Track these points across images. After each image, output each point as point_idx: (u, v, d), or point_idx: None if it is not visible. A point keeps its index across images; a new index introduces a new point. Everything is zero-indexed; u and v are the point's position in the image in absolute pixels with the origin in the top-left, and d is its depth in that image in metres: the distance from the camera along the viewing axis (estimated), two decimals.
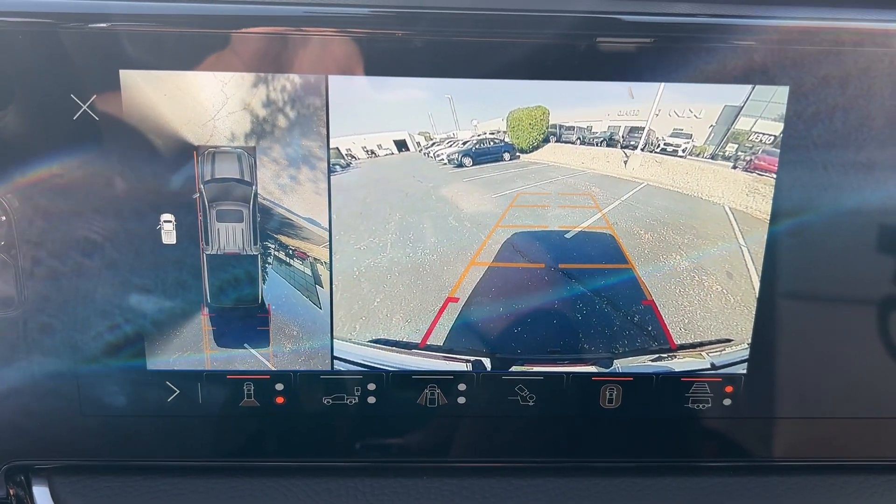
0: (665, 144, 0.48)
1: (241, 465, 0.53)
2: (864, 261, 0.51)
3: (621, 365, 0.52)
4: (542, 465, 0.55)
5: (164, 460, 0.53)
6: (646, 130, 0.48)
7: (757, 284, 0.51)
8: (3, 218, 0.47)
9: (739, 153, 0.49)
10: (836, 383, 0.53)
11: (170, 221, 0.48)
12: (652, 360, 0.53)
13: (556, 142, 0.48)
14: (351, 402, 0.52)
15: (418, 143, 0.48)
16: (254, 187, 0.48)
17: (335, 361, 0.52)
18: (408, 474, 0.54)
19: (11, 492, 0.53)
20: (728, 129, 0.48)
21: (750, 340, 0.52)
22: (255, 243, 0.49)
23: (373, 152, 0.48)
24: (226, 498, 0.53)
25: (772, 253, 0.50)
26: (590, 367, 0.52)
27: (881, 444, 0.55)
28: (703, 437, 0.54)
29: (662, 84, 0.46)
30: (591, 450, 0.54)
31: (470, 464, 0.54)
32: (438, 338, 0.52)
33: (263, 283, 0.50)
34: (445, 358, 0.52)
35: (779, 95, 0.47)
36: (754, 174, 0.49)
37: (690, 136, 0.48)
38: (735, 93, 0.47)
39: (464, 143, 0.48)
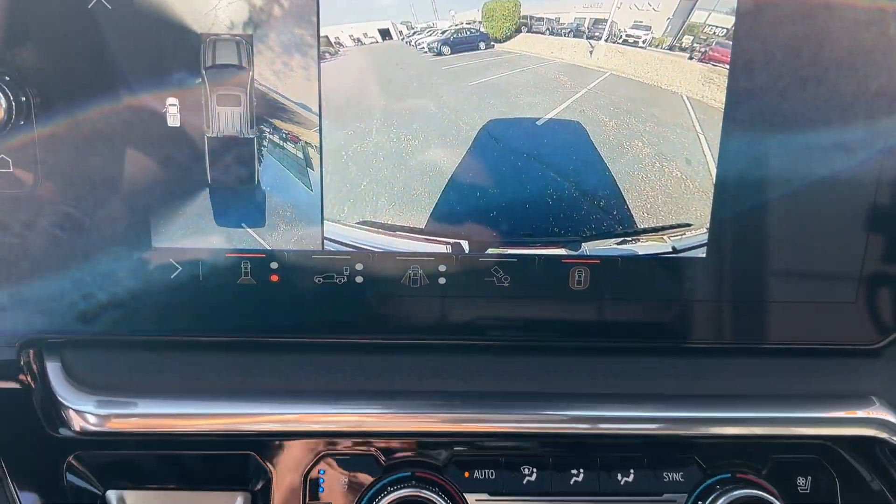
0: (627, 36, 0.53)
1: (239, 340, 0.58)
2: (815, 146, 0.55)
3: (589, 248, 0.57)
4: (516, 343, 0.59)
5: (167, 336, 0.57)
6: (608, 22, 0.52)
7: (714, 171, 0.55)
8: (24, 99, 0.52)
9: (695, 45, 0.53)
10: (790, 267, 0.58)
11: (174, 105, 0.53)
12: (617, 244, 0.57)
13: (528, 32, 0.53)
14: (340, 281, 0.57)
15: (400, 32, 0.52)
16: (251, 73, 0.52)
17: (325, 242, 0.56)
18: (393, 351, 0.58)
19: (25, 365, 0.57)
20: (684, 22, 0.53)
21: (708, 225, 0.56)
22: (252, 126, 0.53)
23: (359, 40, 0.52)
24: (225, 371, 0.58)
25: (727, 140, 0.54)
26: (559, 249, 0.57)
27: (831, 327, 0.59)
28: (665, 319, 0.59)
29: None
30: (561, 330, 0.59)
31: (450, 341, 0.58)
32: (420, 221, 0.56)
33: (259, 165, 0.54)
34: (427, 240, 0.56)
35: None
36: (709, 65, 0.53)
37: (650, 28, 0.53)
38: None
39: (442, 33, 0.52)
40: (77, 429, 0.55)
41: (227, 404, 0.56)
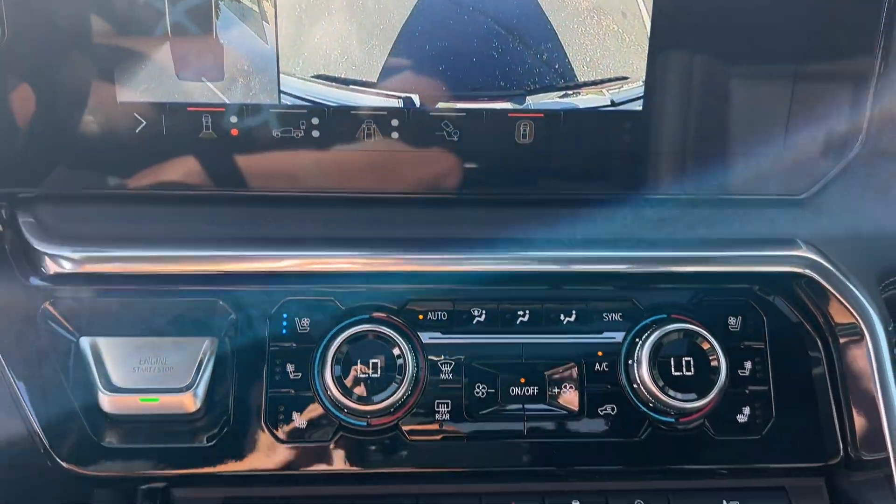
0: None
1: (203, 194, 0.61)
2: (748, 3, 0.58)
3: (533, 101, 0.60)
4: (466, 196, 0.62)
5: (133, 190, 0.60)
6: None
7: (648, 24, 0.59)
8: None
9: None
10: (721, 120, 0.61)
11: None
12: (559, 97, 0.60)
13: None
14: (297, 135, 0.60)
15: None
16: None
17: (282, 96, 0.59)
18: (351, 203, 0.62)
19: None
20: None
21: (644, 78, 0.60)
22: None
23: None
24: (191, 222, 0.61)
25: None
26: (505, 103, 0.60)
27: (761, 178, 0.63)
28: (604, 170, 0.62)
29: None
30: (508, 181, 0.62)
31: (403, 195, 0.62)
32: (372, 75, 0.59)
33: (217, 19, 0.57)
34: (379, 94, 0.60)
35: None
36: None
37: None
38: None
39: None
40: (52, 272, 0.58)
41: (193, 249, 0.59)
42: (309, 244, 0.60)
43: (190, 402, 0.58)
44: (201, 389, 0.59)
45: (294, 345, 0.60)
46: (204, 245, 0.59)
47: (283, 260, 0.60)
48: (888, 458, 0.59)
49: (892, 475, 0.59)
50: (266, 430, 0.59)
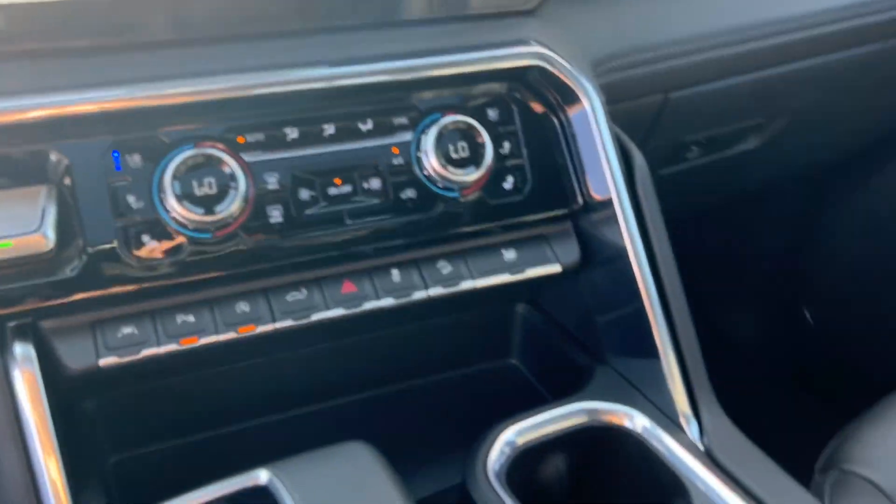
0: None
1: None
2: None
3: None
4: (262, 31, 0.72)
5: None
6: None
7: None
8: None
9: None
10: None
11: None
12: None
13: None
14: None
15: None
16: None
17: None
18: (149, 48, 0.69)
19: None
20: None
21: None
22: None
23: None
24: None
25: None
26: None
27: None
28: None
29: None
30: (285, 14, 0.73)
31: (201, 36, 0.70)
32: None
33: None
34: None
35: None
36: None
37: None
38: None
39: None
40: None
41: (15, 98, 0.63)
42: (128, 83, 0.66)
43: (41, 242, 0.63)
44: (50, 230, 0.64)
45: (130, 179, 0.67)
46: (28, 93, 0.64)
47: (106, 102, 0.65)
48: (611, 198, 0.80)
49: (615, 214, 0.80)
50: (122, 256, 0.66)
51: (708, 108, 1.08)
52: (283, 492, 0.60)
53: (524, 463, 0.73)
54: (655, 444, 0.75)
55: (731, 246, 1.82)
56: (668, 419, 0.77)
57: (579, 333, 0.89)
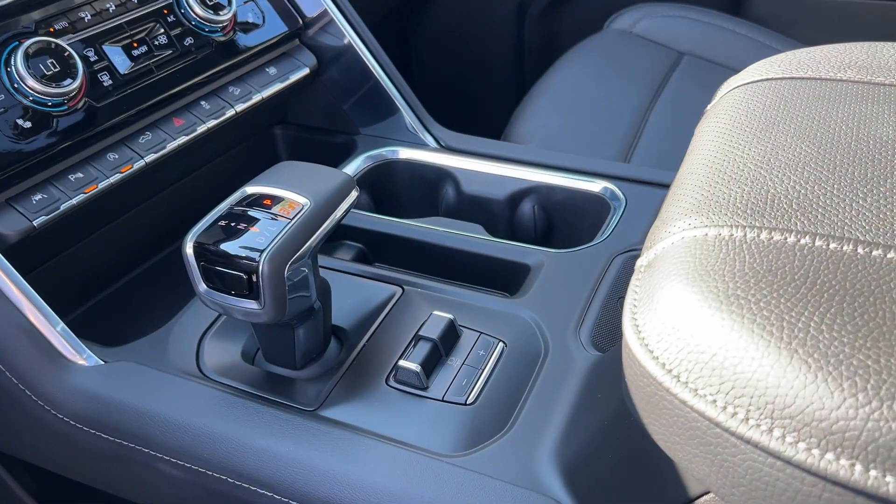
0: None
1: None
2: None
3: None
4: None
5: None
6: None
7: None
8: None
9: None
10: None
11: None
12: None
13: None
14: None
15: None
16: None
17: None
18: None
19: None
20: None
21: None
22: None
23: None
24: None
25: None
26: None
27: None
28: None
29: None
30: None
31: None
32: None
33: None
34: None
35: None
36: None
37: None
38: None
39: None
40: None
41: None
42: None
43: None
44: None
45: None
46: None
47: None
48: (321, 14, 1.11)
49: (335, 25, 1.11)
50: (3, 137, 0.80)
51: None
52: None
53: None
54: (416, 157, 1.11)
55: None
56: (414, 144, 1.13)
57: (329, 125, 1.20)
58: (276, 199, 0.72)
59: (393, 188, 1.13)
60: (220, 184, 0.89)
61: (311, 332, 0.76)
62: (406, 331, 0.81)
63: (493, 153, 1.09)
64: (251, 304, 0.68)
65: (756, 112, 0.64)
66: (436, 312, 0.79)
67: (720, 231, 0.50)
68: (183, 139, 0.95)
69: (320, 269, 0.75)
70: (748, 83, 0.71)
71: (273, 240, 0.67)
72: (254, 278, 0.67)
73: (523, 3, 1.92)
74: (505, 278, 0.92)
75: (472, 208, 1.06)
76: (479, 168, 1.08)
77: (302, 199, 0.72)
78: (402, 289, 0.86)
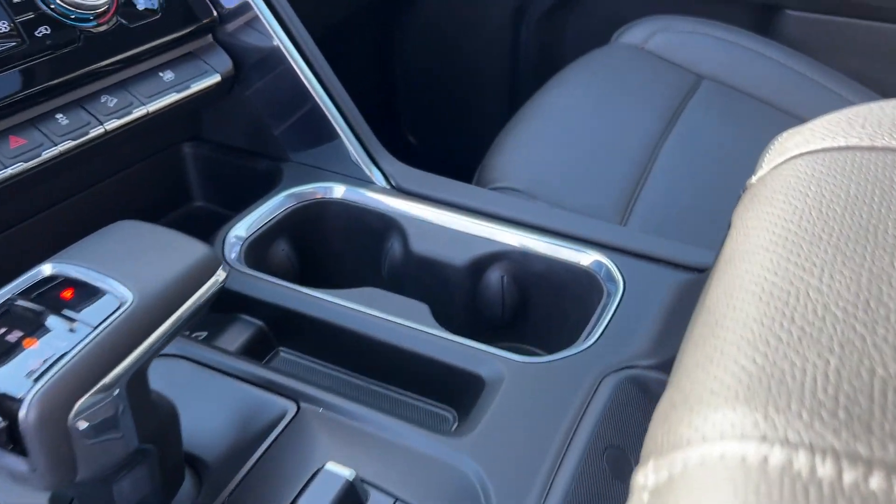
0: None
1: None
2: None
3: None
4: None
5: None
6: None
7: None
8: None
9: None
10: None
11: None
12: None
13: None
14: None
15: None
16: None
17: None
18: None
19: None
20: None
21: None
22: None
23: None
24: None
25: None
26: None
27: None
28: None
29: None
30: None
31: None
32: None
33: None
34: None
35: None
36: None
37: None
38: None
39: None
40: None
41: None
42: None
43: None
44: None
45: None
46: None
47: None
48: (242, 5, 0.85)
49: (259, 21, 0.85)
50: None
51: None
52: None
53: (254, 251, 0.79)
54: (356, 198, 0.85)
55: None
56: (357, 180, 0.87)
57: (251, 146, 0.94)
58: (82, 290, 0.46)
59: (322, 237, 0.86)
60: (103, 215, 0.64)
61: (140, 483, 0.51)
62: (292, 475, 0.55)
63: (456, 201, 0.83)
64: (17, 463, 0.43)
65: (839, 208, 0.41)
66: (330, 466, 0.52)
67: (790, 456, 0.27)
68: (20, 167, 0.68)
69: (188, 363, 0.50)
70: (818, 151, 0.47)
71: (52, 367, 0.42)
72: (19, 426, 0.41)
73: (522, 6, 1.66)
74: (451, 390, 0.66)
75: (423, 273, 0.80)
76: (437, 219, 0.81)
77: (122, 292, 0.46)
78: (298, 406, 0.60)
